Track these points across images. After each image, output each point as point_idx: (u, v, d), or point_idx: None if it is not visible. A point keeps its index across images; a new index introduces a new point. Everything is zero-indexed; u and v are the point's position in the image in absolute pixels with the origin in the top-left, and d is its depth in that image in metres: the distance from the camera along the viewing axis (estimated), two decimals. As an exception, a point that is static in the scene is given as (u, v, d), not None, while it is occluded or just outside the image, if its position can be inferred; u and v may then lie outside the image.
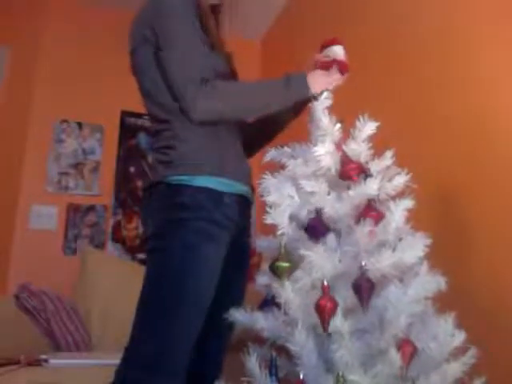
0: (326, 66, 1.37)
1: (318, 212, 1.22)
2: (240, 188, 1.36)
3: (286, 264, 1.18)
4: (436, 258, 1.22)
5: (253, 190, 1.44)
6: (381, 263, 1.13)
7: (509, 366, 1.46)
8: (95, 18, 3.56)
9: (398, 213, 1.21)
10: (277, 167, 1.34)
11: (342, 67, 1.37)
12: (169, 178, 1.29)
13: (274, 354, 1.22)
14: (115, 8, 3.47)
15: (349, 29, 2.58)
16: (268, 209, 1.25)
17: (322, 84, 1.34)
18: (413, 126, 2.07)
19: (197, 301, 1.26)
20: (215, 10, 1.51)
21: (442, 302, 1.22)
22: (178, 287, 1.25)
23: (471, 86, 1.81)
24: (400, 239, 1.20)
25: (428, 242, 1.21)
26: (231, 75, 1.48)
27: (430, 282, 1.17)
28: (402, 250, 1.17)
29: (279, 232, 1.23)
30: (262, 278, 1.27)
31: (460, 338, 1.18)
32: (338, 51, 1.41)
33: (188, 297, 1.25)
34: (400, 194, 1.26)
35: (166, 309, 1.25)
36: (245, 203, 1.40)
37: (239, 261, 1.44)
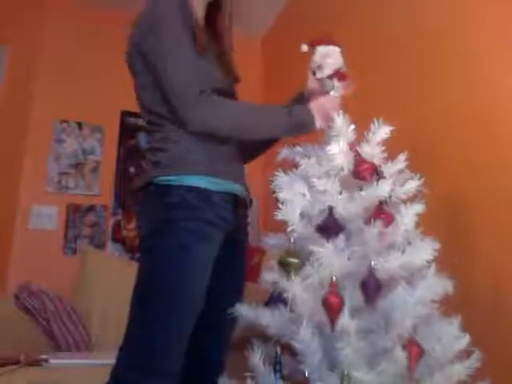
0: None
1: (331, 211, 1.22)
2: (230, 187, 1.35)
3: (295, 260, 1.18)
4: (443, 262, 1.21)
5: (246, 189, 1.43)
6: (389, 264, 1.13)
7: (512, 369, 1.47)
8: (95, 18, 3.56)
9: (408, 216, 1.21)
10: (290, 166, 1.34)
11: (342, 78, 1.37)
12: (157, 179, 1.30)
13: (279, 351, 1.21)
14: (115, 8, 3.46)
15: (349, 29, 2.57)
16: (280, 205, 1.25)
17: (326, 116, 1.33)
18: (414, 129, 2.06)
19: (189, 300, 1.26)
20: (216, 6, 1.48)
21: (448, 306, 1.22)
22: (171, 287, 1.25)
23: (473, 86, 1.81)
24: (409, 243, 1.20)
25: (436, 246, 1.21)
26: (230, 84, 1.46)
27: (436, 285, 1.17)
28: (410, 253, 1.17)
29: (289, 229, 1.23)
30: (269, 275, 1.26)
31: (464, 340, 1.18)
32: (336, 56, 1.38)
33: (180, 297, 1.25)
34: (411, 198, 1.26)
35: (159, 309, 1.25)
36: (237, 202, 1.39)
37: (236, 259, 1.44)
